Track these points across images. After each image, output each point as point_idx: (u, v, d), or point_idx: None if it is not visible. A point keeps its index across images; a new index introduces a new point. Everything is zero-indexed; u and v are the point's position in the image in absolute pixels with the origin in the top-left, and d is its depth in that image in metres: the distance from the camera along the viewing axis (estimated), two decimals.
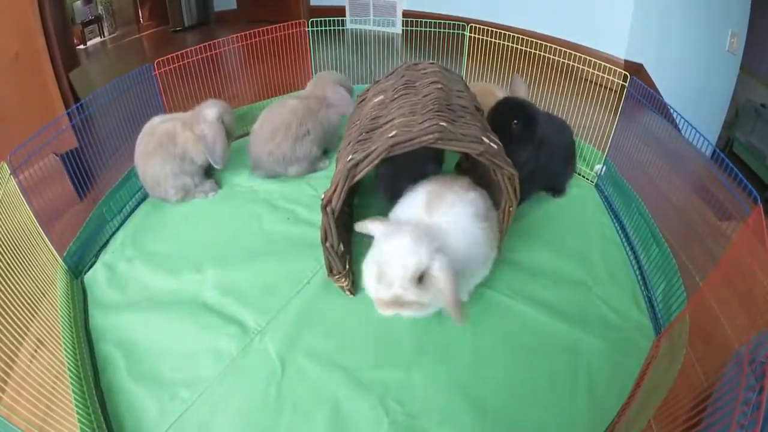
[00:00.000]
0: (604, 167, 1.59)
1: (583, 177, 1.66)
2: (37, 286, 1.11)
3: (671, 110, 1.26)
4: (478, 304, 1.16)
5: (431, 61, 1.37)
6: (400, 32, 3.19)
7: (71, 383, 0.93)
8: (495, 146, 0.99)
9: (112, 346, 1.08)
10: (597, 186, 1.62)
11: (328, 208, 0.96)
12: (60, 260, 1.24)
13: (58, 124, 1.34)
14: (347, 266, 1.15)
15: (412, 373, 1.01)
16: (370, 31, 3.25)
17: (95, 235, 1.41)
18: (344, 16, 3.33)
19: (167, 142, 1.48)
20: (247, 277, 1.25)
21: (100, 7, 3.40)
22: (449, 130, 0.94)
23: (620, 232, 1.41)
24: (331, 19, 1.99)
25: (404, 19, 2.86)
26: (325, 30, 2.01)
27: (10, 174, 1.13)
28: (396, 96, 1.14)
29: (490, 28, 1.84)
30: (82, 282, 1.27)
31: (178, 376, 1.01)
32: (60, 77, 1.70)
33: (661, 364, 0.97)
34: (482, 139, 0.97)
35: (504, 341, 1.08)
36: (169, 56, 1.62)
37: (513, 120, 1.26)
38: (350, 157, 0.94)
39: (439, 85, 1.15)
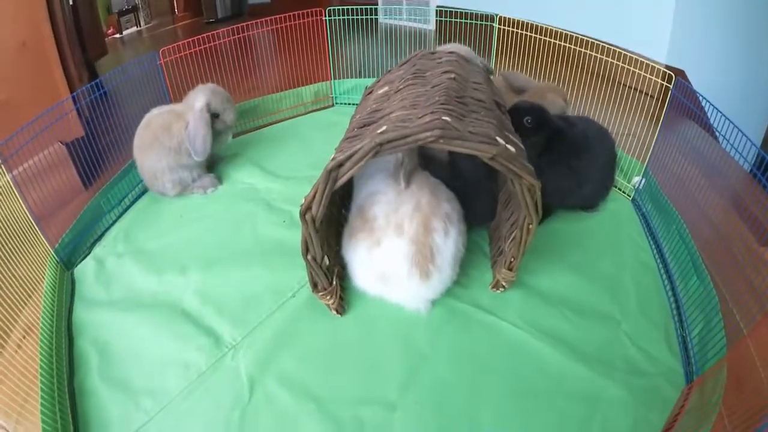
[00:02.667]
0: (644, 180, 1.40)
1: (620, 190, 1.47)
2: (26, 278, 1.09)
3: (719, 115, 1.05)
4: (482, 336, 1.01)
5: (450, 50, 1.22)
6: (433, 28, 3.03)
7: (40, 380, 0.90)
8: (512, 149, 0.82)
9: (89, 344, 1.04)
10: (634, 201, 1.43)
11: (308, 216, 0.83)
12: (51, 252, 1.20)
13: (56, 112, 1.29)
14: (334, 282, 1.01)
15: (395, 413, 0.87)
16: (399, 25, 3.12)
17: (90, 227, 1.38)
18: (375, 4, 3.21)
19: (162, 134, 1.41)
20: (229, 284, 1.17)
21: None
22: (453, 126, 0.78)
23: (657, 256, 1.22)
24: (355, 7, 1.86)
25: (437, 8, 2.71)
26: (352, 20, 1.87)
27: (0, 163, 1.10)
28: (402, 86, 1.00)
29: (520, 20, 1.67)
30: (73, 275, 1.23)
31: (145, 384, 0.95)
32: (67, 66, 1.65)
33: (687, 422, 0.80)
34: (496, 140, 0.80)
35: (508, 383, 0.92)
36: (174, 45, 1.54)
37: (525, 119, 1.19)
38: (333, 156, 0.81)
39: (452, 75, 0.98)
